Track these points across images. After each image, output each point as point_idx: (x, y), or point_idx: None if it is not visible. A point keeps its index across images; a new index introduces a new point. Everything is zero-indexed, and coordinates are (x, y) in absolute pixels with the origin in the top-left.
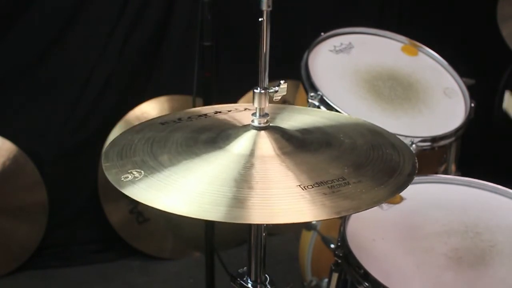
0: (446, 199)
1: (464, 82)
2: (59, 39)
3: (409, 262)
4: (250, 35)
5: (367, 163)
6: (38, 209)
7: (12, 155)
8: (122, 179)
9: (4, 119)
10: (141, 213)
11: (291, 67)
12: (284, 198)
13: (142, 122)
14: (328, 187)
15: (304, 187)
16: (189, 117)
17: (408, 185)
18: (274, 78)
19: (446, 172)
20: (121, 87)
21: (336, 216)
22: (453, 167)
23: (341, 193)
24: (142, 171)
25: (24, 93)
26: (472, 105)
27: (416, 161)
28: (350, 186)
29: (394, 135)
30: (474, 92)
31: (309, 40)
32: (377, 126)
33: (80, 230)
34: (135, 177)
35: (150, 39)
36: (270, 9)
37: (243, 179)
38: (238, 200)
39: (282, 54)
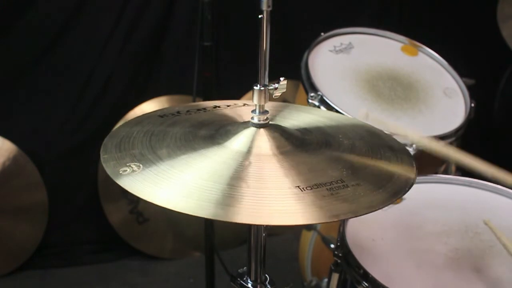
0: (446, 199)
1: (464, 82)
2: (59, 39)
3: (409, 262)
4: (250, 35)
5: (365, 166)
6: (38, 209)
7: (12, 155)
8: (121, 172)
9: (4, 119)
10: (141, 213)
11: (291, 67)
12: (281, 199)
13: (141, 115)
14: (327, 189)
15: (302, 188)
16: (187, 111)
17: (407, 190)
18: (274, 78)
19: (446, 172)
20: (121, 87)
21: (334, 220)
22: (453, 167)
23: (339, 196)
24: (141, 165)
25: (24, 93)
26: (472, 105)
27: (415, 165)
28: (349, 189)
29: (392, 137)
30: (474, 92)
31: (309, 40)
32: (375, 128)
33: (80, 230)
34: (133, 171)
35: (150, 39)
36: (270, 9)
37: (240, 177)
38: (233, 198)
39: (282, 54)
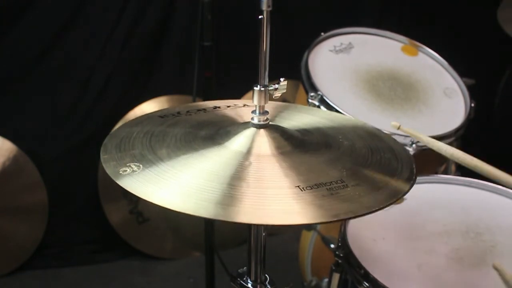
0: (446, 199)
1: (464, 82)
2: (59, 39)
3: (410, 262)
4: (250, 35)
5: (365, 166)
6: (38, 209)
7: (12, 155)
8: (121, 172)
9: (4, 119)
10: (141, 213)
11: (291, 67)
12: (281, 199)
13: (141, 115)
14: (327, 189)
15: (302, 188)
16: (188, 111)
17: (407, 191)
18: (274, 78)
19: (446, 172)
20: (121, 87)
21: (334, 220)
22: (453, 167)
23: (339, 196)
24: (141, 165)
25: (24, 93)
26: (472, 105)
27: (414, 166)
28: (349, 189)
29: (392, 138)
30: (474, 92)
31: (309, 40)
32: (376, 129)
33: (80, 230)
34: (133, 171)
35: (150, 39)
36: (270, 9)
37: (240, 177)
38: (234, 198)
39: (282, 54)
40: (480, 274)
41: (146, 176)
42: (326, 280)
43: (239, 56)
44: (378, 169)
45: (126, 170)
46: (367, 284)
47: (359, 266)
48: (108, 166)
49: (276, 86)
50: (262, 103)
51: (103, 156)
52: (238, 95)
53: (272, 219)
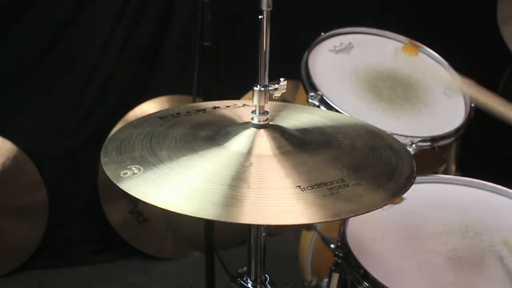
0: (446, 199)
1: None
2: (59, 39)
3: (409, 262)
4: (250, 35)
5: (366, 165)
6: (38, 209)
7: (12, 155)
8: (121, 175)
9: (4, 119)
10: (141, 213)
11: (291, 67)
12: (282, 199)
13: (141, 117)
14: (328, 189)
15: (303, 188)
16: (187, 112)
17: (407, 189)
18: (274, 78)
19: (446, 172)
20: (121, 87)
21: (335, 219)
22: (453, 167)
23: (340, 195)
24: (141, 167)
25: (24, 93)
26: (472, 105)
27: (415, 164)
28: (349, 188)
29: (393, 137)
30: None
31: (309, 40)
32: (376, 128)
33: (80, 230)
34: (134, 173)
35: (150, 39)
36: (270, 9)
37: (241, 178)
38: (235, 199)
39: (282, 54)
40: (479, 274)
41: (147, 179)
42: (326, 280)
43: (239, 56)
44: (378, 167)
45: (127, 173)
46: (366, 284)
47: (359, 266)
48: (108, 169)
49: (276, 86)
50: (262, 103)
51: (103, 159)
52: (238, 95)
53: (273, 219)
